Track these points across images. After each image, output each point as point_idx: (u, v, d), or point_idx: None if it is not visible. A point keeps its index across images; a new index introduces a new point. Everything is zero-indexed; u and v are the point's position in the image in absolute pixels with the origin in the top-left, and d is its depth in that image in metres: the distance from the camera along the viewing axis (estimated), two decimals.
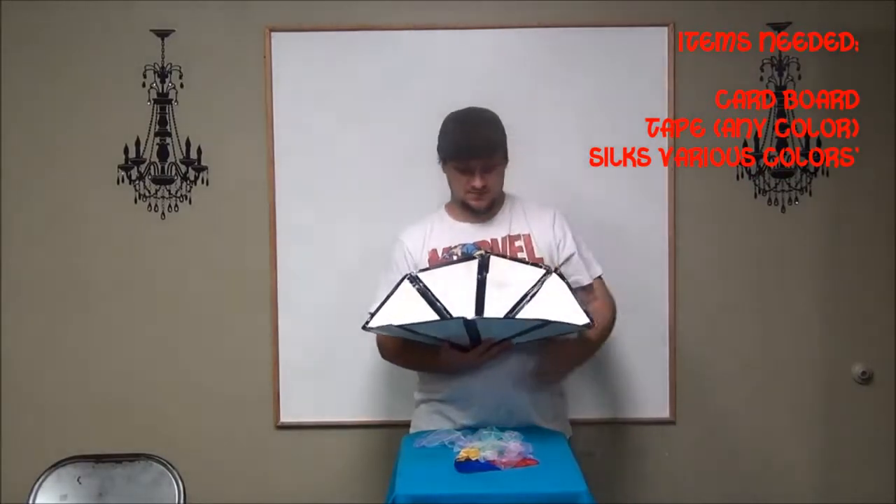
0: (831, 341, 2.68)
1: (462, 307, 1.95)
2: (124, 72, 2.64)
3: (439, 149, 2.19)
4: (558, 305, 1.94)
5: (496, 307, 1.95)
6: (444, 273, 2.02)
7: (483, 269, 2.00)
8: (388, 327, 1.99)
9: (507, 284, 1.98)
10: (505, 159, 2.19)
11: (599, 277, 2.25)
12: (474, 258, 2.03)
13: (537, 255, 2.16)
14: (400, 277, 2.06)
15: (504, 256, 2.09)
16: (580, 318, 1.94)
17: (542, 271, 1.99)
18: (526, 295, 1.96)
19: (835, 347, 2.68)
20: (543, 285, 1.97)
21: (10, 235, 2.66)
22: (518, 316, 1.93)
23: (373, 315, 2.01)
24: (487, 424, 2.06)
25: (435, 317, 1.94)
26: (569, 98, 2.62)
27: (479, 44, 2.63)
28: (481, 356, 2.03)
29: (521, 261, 2.07)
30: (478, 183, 2.11)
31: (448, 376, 2.13)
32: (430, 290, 1.98)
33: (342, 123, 2.63)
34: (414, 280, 2.01)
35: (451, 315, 1.94)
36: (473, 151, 2.11)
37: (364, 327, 2.02)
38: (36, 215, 2.66)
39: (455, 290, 1.98)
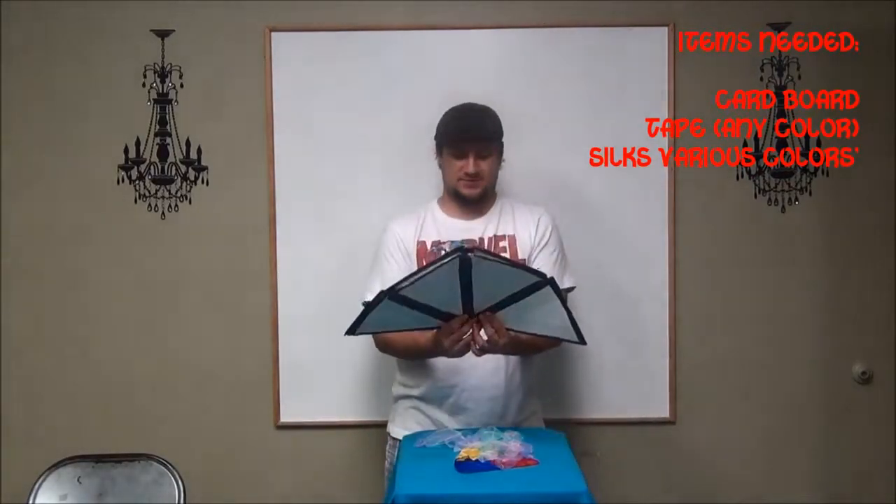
0: (831, 341, 2.68)
1: (449, 304, 1.88)
2: (124, 72, 2.64)
3: (436, 137, 2.23)
4: (549, 316, 1.88)
5: (485, 299, 1.88)
6: (424, 282, 1.85)
7: (466, 272, 1.82)
8: (381, 318, 1.91)
9: (493, 286, 1.87)
10: (500, 154, 2.21)
11: (569, 290, 2.19)
12: (456, 254, 1.81)
13: (520, 257, 2.16)
14: (390, 266, 2.09)
15: (490, 253, 1.96)
16: (570, 335, 1.89)
17: (536, 279, 1.84)
18: (515, 295, 1.86)
19: (835, 347, 2.68)
20: (535, 294, 1.85)
21: (10, 235, 2.66)
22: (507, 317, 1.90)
23: (354, 327, 1.90)
24: (466, 422, 2.10)
25: (421, 319, 1.91)
26: (569, 98, 2.62)
27: (479, 44, 2.63)
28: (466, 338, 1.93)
29: (510, 262, 1.95)
30: (471, 168, 2.13)
31: (426, 372, 2.15)
32: (412, 299, 1.87)
33: (342, 123, 2.63)
34: (394, 297, 1.84)
35: (438, 308, 1.88)
36: (469, 134, 2.15)
37: (348, 333, 1.92)
38: (36, 215, 2.66)
39: (439, 290, 1.87)
